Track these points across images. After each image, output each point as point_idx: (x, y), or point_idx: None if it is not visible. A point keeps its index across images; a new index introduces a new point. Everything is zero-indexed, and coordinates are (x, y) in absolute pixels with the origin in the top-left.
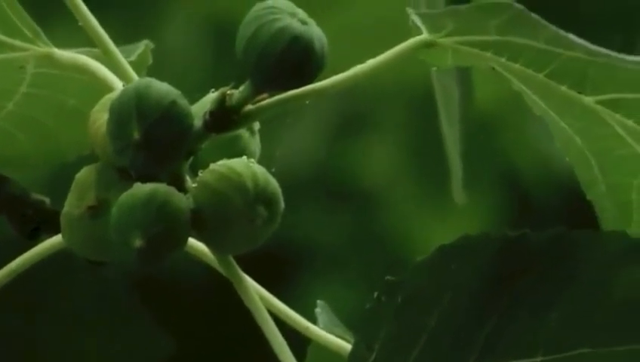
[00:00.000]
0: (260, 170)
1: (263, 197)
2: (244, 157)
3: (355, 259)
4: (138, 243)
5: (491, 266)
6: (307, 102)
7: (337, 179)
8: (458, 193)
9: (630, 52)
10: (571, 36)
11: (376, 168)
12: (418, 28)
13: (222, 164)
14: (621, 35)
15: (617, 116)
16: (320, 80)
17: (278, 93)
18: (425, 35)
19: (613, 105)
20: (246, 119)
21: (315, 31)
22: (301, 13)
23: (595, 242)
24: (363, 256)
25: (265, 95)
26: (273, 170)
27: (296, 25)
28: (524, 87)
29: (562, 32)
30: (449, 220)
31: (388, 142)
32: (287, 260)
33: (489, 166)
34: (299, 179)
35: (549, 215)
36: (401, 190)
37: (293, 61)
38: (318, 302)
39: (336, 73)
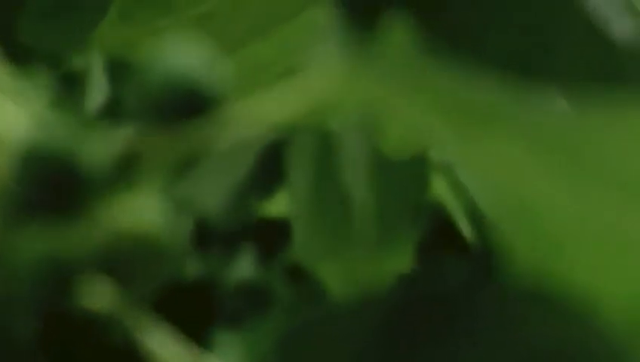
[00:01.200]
0: (163, 209)
1: (167, 236)
2: (147, 196)
3: (265, 298)
4: (37, 292)
5: (389, 314)
6: (210, 140)
7: (243, 216)
8: (362, 240)
9: (527, 96)
10: (478, 77)
11: (284, 207)
12: (321, 66)
13: (125, 204)
14: (525, 78)
15: (522, 157)
16: (225, 117)
17: (177, 131)
18: (329, 74)
19: (514, 144)
20: (144, 159)
21: (218, 67)
22: (205, 48)
23: (499, 285)
24: (273, 296)
25: (163, 133)
26: (178, 208)
27: (197, 60)
28: (431, 127)
29: (469, 73)
30: (364, 259)
31: (296, 180)
32: (195, 301)
33: (405, 203)
34: (205, 217)
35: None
36: (311, 229)
37: (189, 98)
38: (225, 340)
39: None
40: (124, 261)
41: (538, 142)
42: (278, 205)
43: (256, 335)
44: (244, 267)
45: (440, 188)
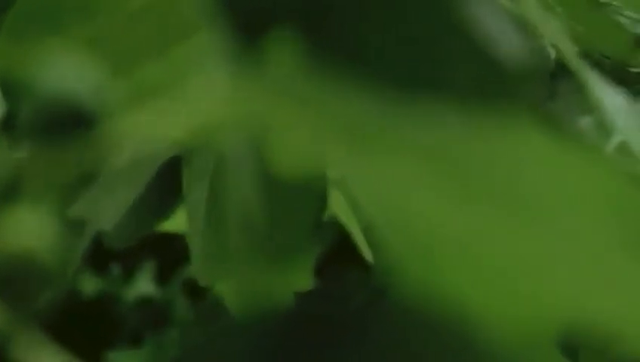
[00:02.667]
0: (54, 226)
1: (56, 254)
2: (37, 214)
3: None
4: None
5: (284, 331)
6: (102, 158)
7: (141, 233)
8: (258, 258)
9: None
10: (367, 92)
11: (183, 223)
12: (211, 85)
13: (12, 222)
14: (414, 93)
15: (413, 172)
16: (116, 135)
17: (66, 149)
18: (219, 93)
19: None
20: (33, 176)
21: (106, 85)
22: (93, 67)
23: (389, 305)
24: (173, 312)
25: (52, 151)
26: (74, 226)
27: (84, 78)
28: (322, 143)
29: (358, 88)
30: (260, 277)
31: (191, 197)
32: (93, 318)
33: (302, 220)
34: (102, 234)
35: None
36: (207, 246)
37: (76, 116)
38: (123, 358)
39: None
40: (12, 279)
41: (428, 157)
42: (177, 221)
43: (155, 353)
44: (142, 284)
45: (339, 205)
